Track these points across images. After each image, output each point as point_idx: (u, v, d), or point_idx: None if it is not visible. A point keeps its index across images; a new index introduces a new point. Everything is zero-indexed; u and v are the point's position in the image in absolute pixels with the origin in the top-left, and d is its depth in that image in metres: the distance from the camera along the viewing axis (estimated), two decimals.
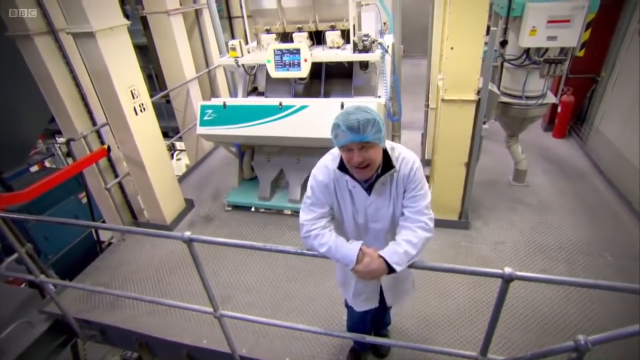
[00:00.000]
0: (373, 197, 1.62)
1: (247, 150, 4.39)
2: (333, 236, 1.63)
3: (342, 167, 1.57)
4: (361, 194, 1.62)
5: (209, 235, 4.25)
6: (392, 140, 5.07)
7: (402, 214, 1.64)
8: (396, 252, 1.55)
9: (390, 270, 1.54)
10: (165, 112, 7.41)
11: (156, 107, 3.93)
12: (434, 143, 3.85)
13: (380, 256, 1.55)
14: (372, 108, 1.47)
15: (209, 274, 3.32)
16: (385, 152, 1.57)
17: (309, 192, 1.68)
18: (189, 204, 4.33)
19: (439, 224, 3.64)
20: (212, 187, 4.84)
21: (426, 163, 4.27)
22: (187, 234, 1.92)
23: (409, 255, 1.55)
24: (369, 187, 1.61)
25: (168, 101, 6.60)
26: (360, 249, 1.57)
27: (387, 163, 1.57)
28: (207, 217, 4.17)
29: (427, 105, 4.19)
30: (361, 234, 1.73)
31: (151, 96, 3.75)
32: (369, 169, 1.50)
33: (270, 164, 4.15)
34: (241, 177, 4.52)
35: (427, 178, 4.51)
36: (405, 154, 1.60)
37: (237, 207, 4.32)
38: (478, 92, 2.99)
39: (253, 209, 4.46)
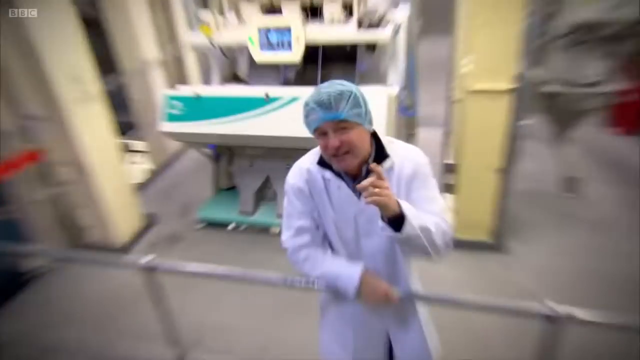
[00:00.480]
0: (364, 200, 1.53)
1: (224, 152, 4.40)
2: (328, 256, 1.62)
3: (322, 161, 1.57)
4: (347, 197, 1.58)
5: (175, 261, 4.21)
6: (407, 140, 5.13)
7: None
8: (416, 215, 1.45)
9: (398, 224, 1.41)
10: (120, 103, 7.39)
11: (108, 96, 3.94)
12: (459, 144, 3.85)
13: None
14: (350, 83, 1.47)
15: (175, 311, 3.29)
16: (376, 138, 1.56)
17: (285, 201, 1.68)
18: (150, 221, 4.32)
19: (466, 246, 3.65)
20: (179, 199, 4.82)
21: (449, 169, 4.28)
22: (146, 259, 1.91)
23: (422, 222, 1.42)
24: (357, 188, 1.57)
25: (123, 90, 6.61)
26: (361, 276, 1.56)
27: (380, 153, 1.55)
28: (172, 238, 4.16)
29: (451, 97, 4.21)
30: (352, 255, 1.69)
31: (101, 83, 3.75)
32: (351, 155, 1.47)
33: (253, 170, 4.16)
34: (217, 187, 4.52)
35: (451, 187, 4.58)
36: (406, 146, 1.60)
37: (211, 225, 4.30)
38: (516, 80, 3.02)
39: (232, 226, 4.44)
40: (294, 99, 3.40)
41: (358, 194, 1.57)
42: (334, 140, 1.44)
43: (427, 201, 1.53)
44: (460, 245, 3.66)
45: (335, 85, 1.44)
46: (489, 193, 3.40)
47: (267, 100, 3.45)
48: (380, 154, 1.55)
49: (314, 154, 1.62)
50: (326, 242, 1.70)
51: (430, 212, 1.50)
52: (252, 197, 4.12)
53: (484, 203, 3.45)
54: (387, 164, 1.53)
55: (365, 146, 1.50)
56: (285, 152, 4.06)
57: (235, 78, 4.25)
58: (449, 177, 4.20)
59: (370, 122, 1.51)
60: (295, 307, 3.26)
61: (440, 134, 5.35)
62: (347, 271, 1.59)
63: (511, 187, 3.37)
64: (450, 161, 4.48)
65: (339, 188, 1.58)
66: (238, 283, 3.57)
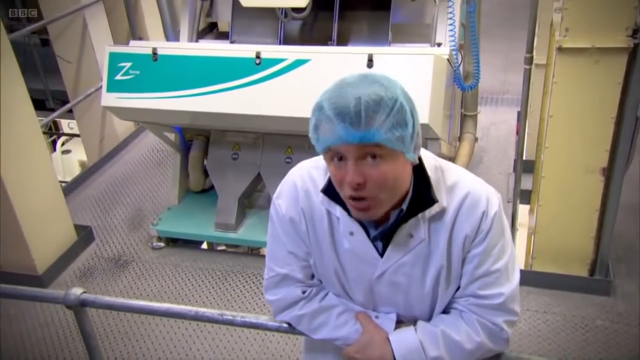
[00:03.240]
0: (391, 261, 1.52)
1: (196, 138, 4.40)
2: (330, 309, 1.65)
3: (331, 189, 1.46)
4: (364, 250, 1.52)
5: (120, 293, 4.11)
6: (463, 124, 5.11)
7: (452, 302, 1.58)
8: (420, 350, 1.51)
9: None
10: (41, 62, 7.45)
11: (21, 51, 3.94)
12: (540, 131, 3.80)
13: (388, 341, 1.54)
14: (393, 79, 1.36)
15: None
16: (419, 170, 1.46)
17: (269, 227, 1.66)
18: (85, 236, 4.33)
19: (553, 283, 3.60)
20: (128, 205, 4.83)
21: (526, 168, 4.25)
22: (76, 291, 1.92)
23: None
24: (382, 237, 1.51)
25: (46, 42, 6.64)
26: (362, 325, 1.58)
27: (423, 192, 1.45)
28: (118, 260, 4.17)
29: (531, 60, 4.18)
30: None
31: (11, 30, 3.77)
32: (377, 202, 1.37)
33: (237, 165, 4.16)
34: (184, 188, 4.52)
35: (528, 197, 4.52)
36: (468, 182, 1.49)
37: (175, 242, 4.30)
38: (634, 33, 2.97)
39: (205, 245, 4.44)
40: (298, 62, 3.39)
41: (381, 246, 1.51)
42: (354, 174, 1.30)
43: (492, 280, 1.49)
44: (540, 282, 3.62)
45: (370, 86, 1.29)
46: (588, 207, 3.35)
47: (260, 63, 3.44)
48: (423, 191, 1.44)
49: (320, 169, 1.54)
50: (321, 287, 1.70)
51: (494, 302, 1.49)
52: (235, 203, 4.10)
53: (580, 223, 3.40)
54: (433, 210, 1.44)
55: (403, 186, 1.40)
56: (285, 139, 4.05)
57: (213, 29, 4.26)
58: (525, 181, 4.16)
59: (418, 148, 1.39)
60: (293, 356, 3.24)
61: (513, 117, 5.31)
62: (345, 334, 1.61)
63: (621, 199, 3.32)
64: (528, 158, 4.45)
65: (353, 235, 1.51)
66: (212, 327, 3.54)
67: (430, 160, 1.48)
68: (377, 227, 1.49)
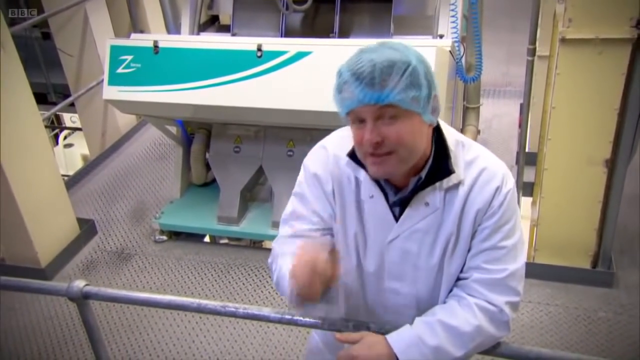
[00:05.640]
0: (405, 226, 1.57)
1: (197, 132, 4.40)
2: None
3: (357, 154, 1.53)
4: (381, 215, 1.58)
5: (123, 286, 4.11)
6: (465, 116, 5.08)
7: (459, 279, 1.60)
8: (419, 342, 1.52)
9: None
10: (42, 55, 7.44)
11: (22, 44, 3.94)
12: (543, 123, 3.79)
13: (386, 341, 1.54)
14: (411, 47, 1.42)
15: (123, 358, 3.32)
16: (440, 142, 1.52)
17: (296, 189, 1.70)
18: (87, 229, 4.35)
19: (556, 275, 3.61)
20: (131, 199, 4.84)
21: (529, 161, 4.24)
22: (79, 284, 1.92)
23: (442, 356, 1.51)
24: (400, 203, 1.57)
25: (47, 35, 6.63)
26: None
27: (442, 163, 1.51)
28: (121, 253, 4.18)
29: (534, 52, 4.16)
30: (370, 301, 1.72)
31: (12, 23, 3.77)
32: (395, 158, 1.43)
33: (239, 159, 4.16)
34: (186, 182, 4.53)
35: (531, 189, 4.51)
36: (487, 158, 1.56)
37: (177, 235, 4.31)
38: (639, 24, 2.94)
39: (207, 238, 4.44)
40: (300, 55, 3.38)
41: (398, 211, 1.56)
42: (372, 134, 1.38)
43: (501, 256, 1.53)
44: (542, 274, 3.63)
45: (386, 50, 1.38)
46: (590, 199, 3.34)
47: (261, 56, 3.44)
48: (442, 162, 1.50)
49: (346, 138, 1.57)
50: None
51: (499, 276, 1.52)
52: (238, 197, 4.11)
53: (582, 214, 3.40)
54: (451, 181, 1.50)
55: (420, 146, 1.45)
56: (287, 132, 4.05)
57: (214, 23, 4.25)
58: (528, 172, 4.15)
59: (435, 111, 1.45)
60: (292, 354, 3.26)
61: (516, 109, 5.29)
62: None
63: (624, 190, 3.32)
64: (531, 150, 4.44)
65: (372, 198, 1.57)
66: (215, 319, 3.55)
67: (453, 134, 1.55)
68: (397, 193, 1.55)
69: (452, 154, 1.50)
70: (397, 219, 1.56)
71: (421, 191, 1.52)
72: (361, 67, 1.35)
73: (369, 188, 1.56)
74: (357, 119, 1.41)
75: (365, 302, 1.72)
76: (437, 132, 1.52)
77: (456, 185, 1.51)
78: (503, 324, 1.55)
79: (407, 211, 1.55)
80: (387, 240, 1.59)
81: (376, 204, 1.57)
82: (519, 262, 1.54)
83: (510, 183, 1.53)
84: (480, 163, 1.53)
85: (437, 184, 1.50)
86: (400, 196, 1.54)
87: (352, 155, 1.54)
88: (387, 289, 1.67)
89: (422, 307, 1.65)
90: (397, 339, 1.53)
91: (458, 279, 1.59)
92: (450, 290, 1.62)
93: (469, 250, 1.55)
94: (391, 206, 1.56)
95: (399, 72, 1.34)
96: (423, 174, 1.50)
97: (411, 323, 1.58)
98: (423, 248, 1.57)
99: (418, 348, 1.51)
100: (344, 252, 1.67)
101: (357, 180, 1.58)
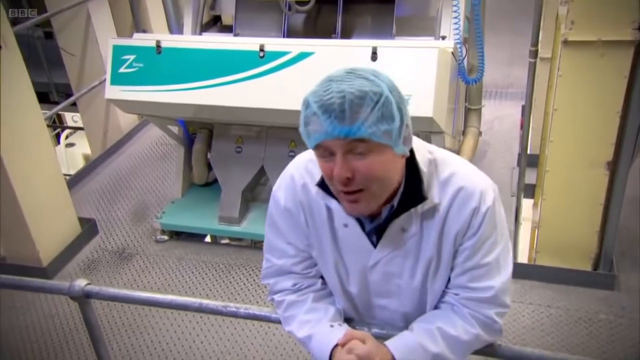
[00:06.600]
0: (383, 252, 1.54)
1: (199, 132, 4.40)
2: (310, 312, 1.65)
3: (326, 183, 1.46)
4: (357, 242, 1.55)
5: (124, 286, 4.12)
6: (467, 118, 5.11)
7: (444, 295, 1.60)
8: (420, 349, 1.52)
9: None
10: (44, 54, 7.45)
11: (24, 44, 3.93)
12: (545, 125, 3.79)
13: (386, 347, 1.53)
14: (381, 73, 1.35)
15: (124, 357, 3.33)
16: (412, 164, 1.45)
17: (267, 221, 1.67)
18: (89, 229, 4.35)
19: (557, 277, 3.60)
20: (132, 199, 4.85)
21: (530, 163, 4.23)
22: (80, 283, 1.92)
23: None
24: (376, 231, 1.53)
25: (50, 35, 6.64)
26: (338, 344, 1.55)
27: (415, 187, 1.45)
28: (122, 253, 4.18)
29: (536, 54, 4.16)
30: (361, 316, 1.73)
31: (15, 23, 3.76)
32: (367, 195, 1.37)
33: (241, 159, 4.16)
34: (187, 181, 4.54)
35: (532, 191, 4.50)
36: (463, 176, 1.47)
37: (178, 235, 4.31)
38: None
39: (208, 238, 4.44)
40: (302, 55, 3.38)
41: (375, 238, 1.52)
42: (342, 169, 1.30)
43: (483, 273, 1.50)
44: (543, 276, 3.62)
45: (356, 80, 1.29)
46: (592, 201, 3.34)
47: (263, 56, 3.44)
48: (415, 186, 1.44)
49: (314, 163, 1.50)
50: (316, 283, 1.72)
51: (484, 295, 1.50)
52: (239, 197, 4.11)
53: (584, 217, 3.39)
54: (426, 205, 1.44)
55: (393, 179, 1.40)
56: (289, 133, 4.04)
57: (216, 23, 4.25)
58: (530, 174, 4.14)
59: (407, 141, 1.38)
60: (294, 355, 3.26)
61: (517, 111, 5.29)
62: (324, 334, 1.59)
63: (626, 192, 3.31)
64: (533, 152, 4.43)
65: (347, 227, 1.53)
66: (216, 319, 3.55)
67: (424, 153, 1.47)
68: (372, 221, 1.51)
69: (424, 177, 1.43)
70: (375, 244, 1.53)
71: (396, 218, 1.46)
72: (330, 98, 1.27)
73: (342, 217, 1.51)
74: (326, 152, 1.33)
75: (358, 315, 1.74)
76: (409, 154, 1.43)
77: (432, 210, 1.45)
78: (496, 331, 1.56)
79: (384, 238, 1.51)
80: (368, 266, 1.57)
81: (352, 232, 1.53)
82: (504, 274, 1.52)
83: (489, 199, 1.45)
84: (455, 182, 1.45)
85: (412, 210, 1.44)
86: (375, 224, 1.50)
87: (322, 184, 1.47)
88: (375, 305, 1.68)
89: (411, 320, 1.64)
90: (398, 346, 1.53)
91: (446, 290, 1.59)
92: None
93: (452, 269, 1.53)
94: (368, 234, 1.52)
95: (370, 104, 1.27)
96: (395, 201, 1.45)
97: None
98: (405, 271, 1.55)
99: (419, 354, 1.51)
100: (326, 277, 1.69)
101: (328, 209, 1.53)
